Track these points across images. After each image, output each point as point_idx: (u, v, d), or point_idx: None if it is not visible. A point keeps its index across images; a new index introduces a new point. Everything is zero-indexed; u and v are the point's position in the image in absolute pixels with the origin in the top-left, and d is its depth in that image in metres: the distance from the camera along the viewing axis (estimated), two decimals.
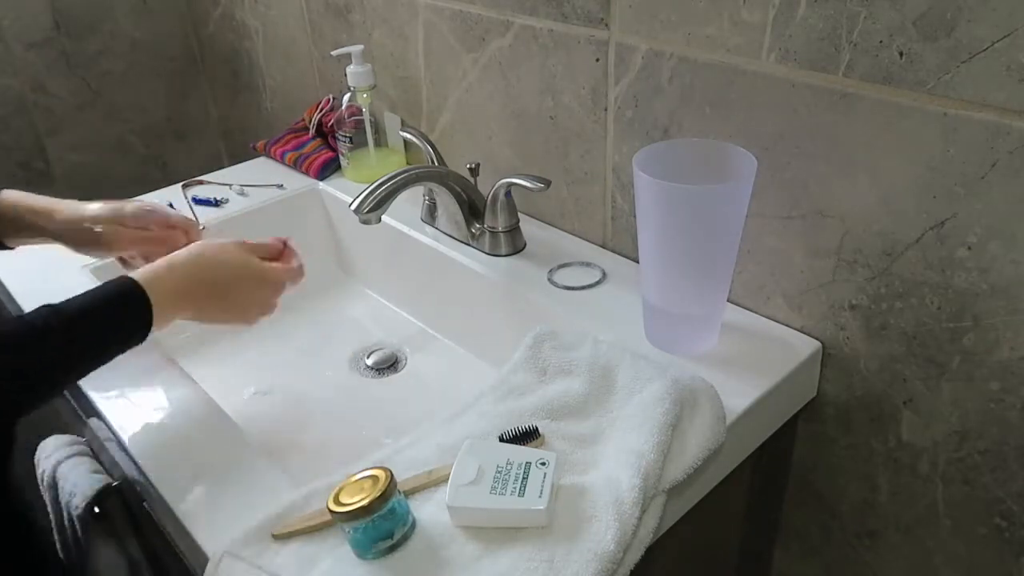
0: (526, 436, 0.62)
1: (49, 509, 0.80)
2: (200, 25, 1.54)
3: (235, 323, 0.77)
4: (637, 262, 0.86)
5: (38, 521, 0.76)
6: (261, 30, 1.35)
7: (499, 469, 0.58)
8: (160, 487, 0.64)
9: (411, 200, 0.99)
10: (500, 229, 0.90)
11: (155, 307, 0.66)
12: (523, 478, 0.57)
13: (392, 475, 0.56)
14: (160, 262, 0.70)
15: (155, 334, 0.67)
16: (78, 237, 0.79)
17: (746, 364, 0.72)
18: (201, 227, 1.04)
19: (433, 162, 0.96)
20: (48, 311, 0.62)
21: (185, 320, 0.71)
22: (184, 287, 0.70)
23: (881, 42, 0.59)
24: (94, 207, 0.80)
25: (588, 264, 0.88)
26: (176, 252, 0.72)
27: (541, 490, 0.56)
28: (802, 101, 0.66)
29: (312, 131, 1.20)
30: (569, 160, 0.90)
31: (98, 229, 0.79)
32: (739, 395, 0.68)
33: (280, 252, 0.80)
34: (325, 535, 0.57)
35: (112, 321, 0.65)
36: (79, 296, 0.64)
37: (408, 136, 0.98)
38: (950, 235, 0.61)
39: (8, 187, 0.79)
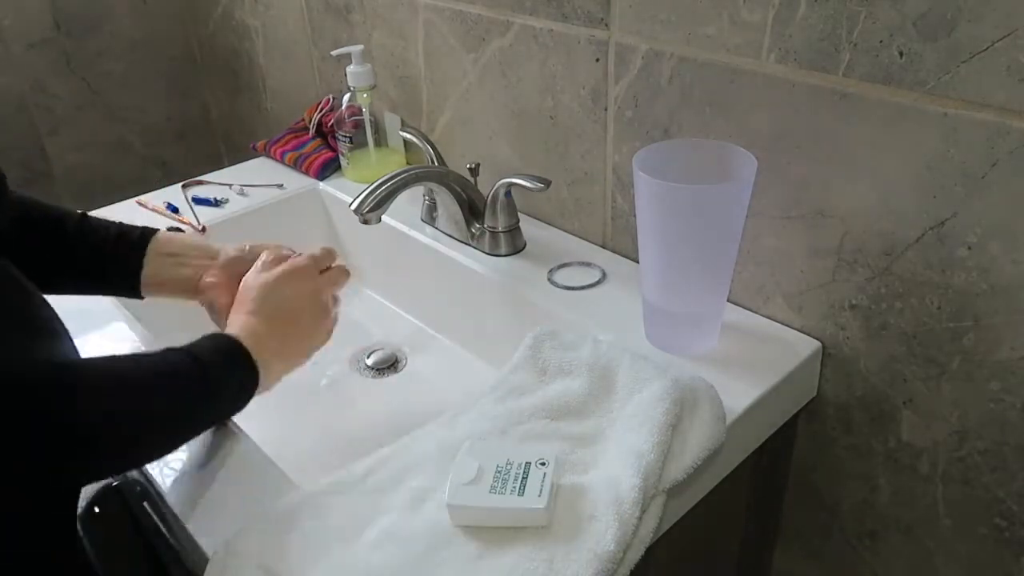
0: None
1: None
2: (200, 25, 1.54)
3: (315, 345, 0.72)
4: (637, 262, 0.86)
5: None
6: (261, 30, 1.35)
7: (499, 469, 0.58)
8: (160, 487, 0.64)
9: (411, 200, 0.99)
10: (500, 229, 0.90)
11: (260, 366, 0.64)
12: (523, 478, 0.57)
13: None
14: (240, 316, 0.67)
15: (157, 334, 0.67)
16: (238, 270, 0.73)
17: (746, 364, 0.72)
18: (201, 227, 1.04)
19: (433, 162, 0.96)
20: (185, 356, 0.59)
21: (281, 372, 0.68)
22: (269, 332, 0.66)
23: (881, 42, 0.59)
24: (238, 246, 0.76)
25: (588, 264, 0.88)
26: (241, 302, 0.68)
27: (541, 489, 0.56)
28: (802, 101, 0.66)
29: (312, 131, 1.20)
30: (569, 160, 0.90)
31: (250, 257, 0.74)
32: (739, 395, 0.68)
33: (322, 258, 0.76)
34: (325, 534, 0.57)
35: (233, 378, 0.62)
36: (196, 345, 0.61)
37: (408, 136, 0.98)
38: (950, 235, 0.61)
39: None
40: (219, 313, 0.72)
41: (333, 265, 0.76)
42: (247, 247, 0.76)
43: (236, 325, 0.66)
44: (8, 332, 0.51)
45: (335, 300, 0.76)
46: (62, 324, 0.56)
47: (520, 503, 0.55)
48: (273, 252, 0.74)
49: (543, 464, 0.58)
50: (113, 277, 0.73)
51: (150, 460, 0.61)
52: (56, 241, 0.71)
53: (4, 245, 0.58)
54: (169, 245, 0.74)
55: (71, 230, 0.72)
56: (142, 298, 0.74)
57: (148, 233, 0.74)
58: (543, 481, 0.56)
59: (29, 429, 0.49)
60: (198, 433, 0.63)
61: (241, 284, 0.71)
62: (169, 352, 0.59)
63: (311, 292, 0.72)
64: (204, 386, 0.60)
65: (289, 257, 0.74)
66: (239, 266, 0.73)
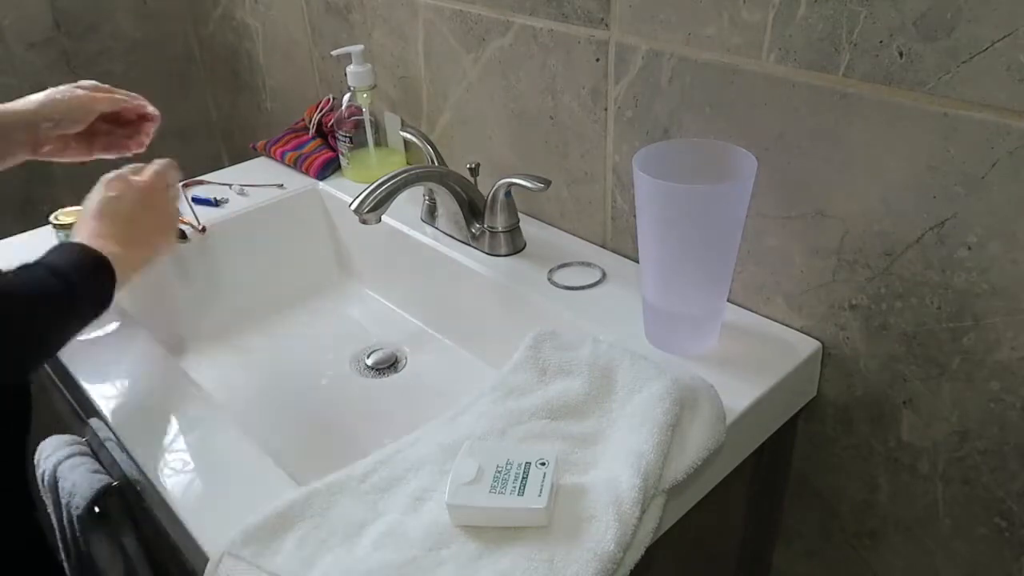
0: None
1: (49, 509, 0.80)
2: (200, 25, 1.54)
3: (162, 243, 0.79)
4: (637, 262, 0.86)
5: (42, 519, 0.76)
6: (261, 30, 1.35)
7: (499, 469, 0.58)
8: (160, 487, 0.64)
9: (411, 200, 0.99)
10: (500, 229, 0.90)
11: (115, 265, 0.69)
12: (523, 478, 0.57)
13: None
14: (84, 227, 0.72)
15: (157, 334, 0.67)
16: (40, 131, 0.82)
17: (746, 364, 0.72)
18: (201, 227, 1.04)
19: (433, 162, 0.96)
20: (45, 270, 0.63)
21: (136, 270, 0.73)
22: (113, 234, 0.72)
23: (881, 42, 0.59)
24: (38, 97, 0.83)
25: (588, 264, 0.88)
26: (83, 218, 0.74)
27: (541, 489, 0.56)
28: (802, 101, 0.66)
29: (312, 131, 1.20)
30: (569, 160, 0.90)
31: (53, 119, 0.83)
32: (739, 395, 0.68)
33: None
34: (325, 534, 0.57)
35: (97, 283, 0.67)
36: (52, 256, 0.66)
37: (408, 136, 0.98)
38: (950, 235, 0.61)
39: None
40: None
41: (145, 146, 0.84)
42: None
43: (82, 235, 0.72)
44: None
45: (173, 195, 0.83)
46: None
47: (520, 503, 0.55)
48: (114, 176, 0.80)
49: (543, 464, 0.58)
50: None
51: (18, 376, 0.65)
52: None
53: None
54: None
55: None
56: None
57: None
58: (543, 481, 0.56)
59: None
60: (69, 339, 0.67)
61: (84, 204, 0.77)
62: (25, 269, 0.64)
63: (142, 191, 0.78)
64: (70, 297, 0.65)
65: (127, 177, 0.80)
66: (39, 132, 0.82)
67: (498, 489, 0.56)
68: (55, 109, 0.81)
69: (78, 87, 0.84)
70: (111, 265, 0.69)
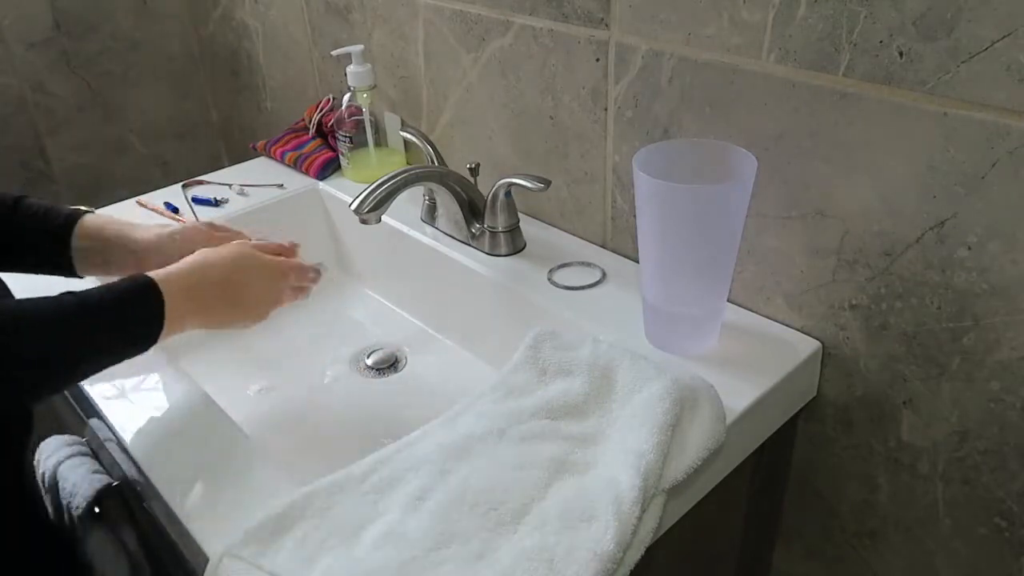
0: None
1: (49, 509, 0.80)
2: (200, 25, 1.54)
3: (245, 320, 0.74)
4: (637, 262, 0.86)
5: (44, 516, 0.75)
6: (261, 30, 1.35)
7: None
8: (160, 487, 0.64)
9: (411, 200, 0.99)
10: (500, 229, 0.90)
11: (167, 306, 0.65)
12: None
13: None
14: (172, 265, 0.69)
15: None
16: (163, 249, 0.77)
17: (746, 364, 0.72)
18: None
19: (433, 162, 0.96)
20: (70, 296, 0.61)
21: (195, 326, 0.69)
22: (195, 286, 0.68)
23: (881, 42, 0.59)
24: (164, 226, 0.79)
25: (588, 264, 0.88)
26: (184, 258, 0.71)
27: None
28: (802, 101, 0.66)
29: (312, 131, 1.20)
30: (569, 160, 0.90)
31: (177, 237, 0.78)
32: (739, 395, 0.68)
33: (286, 250, 0.79)
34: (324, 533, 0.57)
35: (129, 313, 0.64)
36: (96, 288, 0.63)
37: (408, 136, 0.98)
38: (950, 235, 0.61)
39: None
40: None
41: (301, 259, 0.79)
42: (169, 232, 0.79)
43: (163, 269, 0.68)
44: None
45: (299, 292, 0.78)
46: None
47: None
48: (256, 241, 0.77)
49: None
50: (46, 265, 0.77)
51: (43, 394, 0.62)
52: None
53: None
54: (89, 235, 0.76)
55: (3, 213, 0.75)
56: (82, 278, 0.78)
57: (72, 221, 0.76)
58: None
59: None
60: (103, 366, 0.63)
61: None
62: (68, 294, 0.62)
63: (258, 261, 0.74)
64: (102, 316, 0.62)
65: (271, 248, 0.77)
66: (160, 257, 0.75)
67: None
68: (167, 248, 0.77)
69: (194, 227, 0.80)
70: (161, 294, 0.65)
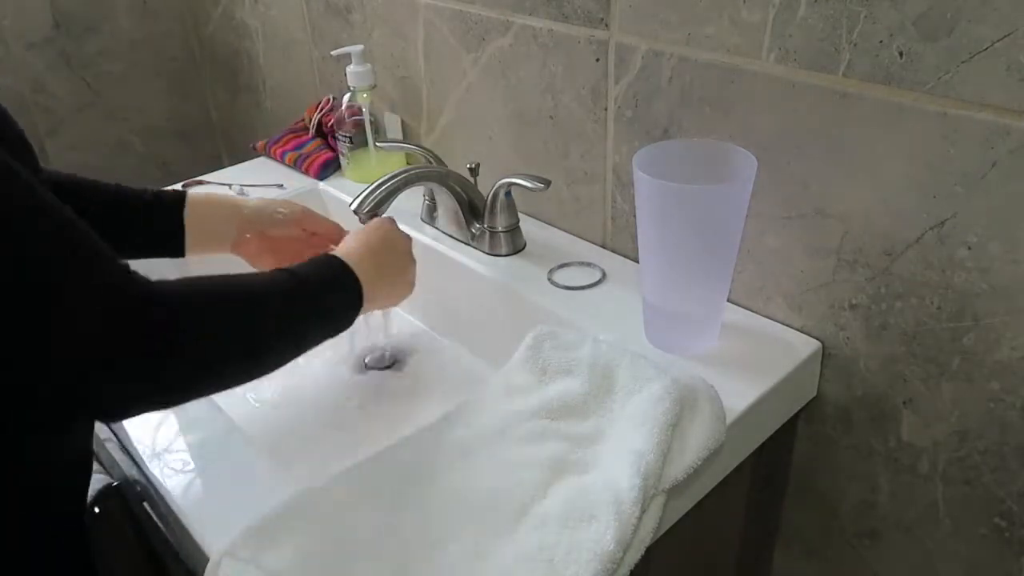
0: None
1: None
2: (200, 25, 1.54)
3: (405, 297, 0.80)
4: (637, 262, 0.86)
5: None
6: (261, 30, 1.35)
7: None
8: (160, 487, 0.64)
9: (411, 200, 0.99)
10: (500, 229, 0.90)
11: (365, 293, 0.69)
12: None
13: None
14: (349, 248, 0.72)
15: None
16: (265, 220, 0.83)
17: (746, 364, 0.72)
18: None
19: (432, 163, 0.96)
20: (288, 275, 0.63)
21: (373, 309, 0.74)
22: (376, 267, 0.72)
23: (881, 42, 0.59)
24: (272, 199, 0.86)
25: (588, 264, 0.88)
26: (356, 236, 0.76)
27: None
28: (802, 101, 0.66)
29: (312, 131, 1.20)
30: (569, 160, 0.90)
31: (282, 211, 0.84)
32: (739, 395, 0.68)
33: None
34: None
35: (339, 295, 0.67)
36: (302, 266, 0.66)
37: (402, 146, 0.99)
38: (950, 235, 0.61)
39: None
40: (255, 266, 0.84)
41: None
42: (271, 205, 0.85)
43: (343, 251, 0.71)
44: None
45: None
46: None
47: None
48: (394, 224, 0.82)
49: None
50: (156, 246, 0.81)
51: (251, 375, 0.61)
52: (98, 213, 0.73)
53: None
54: (197, 210, 0.81)
55: (108, 200, 0.79)
56: (184, 256, 0.82)
57: (178, 201, 0.80)
58: None
59: (126, 333, 0.50)
60: (305, 348, 0.65)
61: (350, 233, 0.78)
62: (265, 273, 0.64)
63: (406, 246, 0.80)
64: (304, 299, 0.64)
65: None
66: (263, 222, 0.83)
67: None
68: (274, 203, 0.85)
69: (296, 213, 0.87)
70: (359, 280, 0.69)
